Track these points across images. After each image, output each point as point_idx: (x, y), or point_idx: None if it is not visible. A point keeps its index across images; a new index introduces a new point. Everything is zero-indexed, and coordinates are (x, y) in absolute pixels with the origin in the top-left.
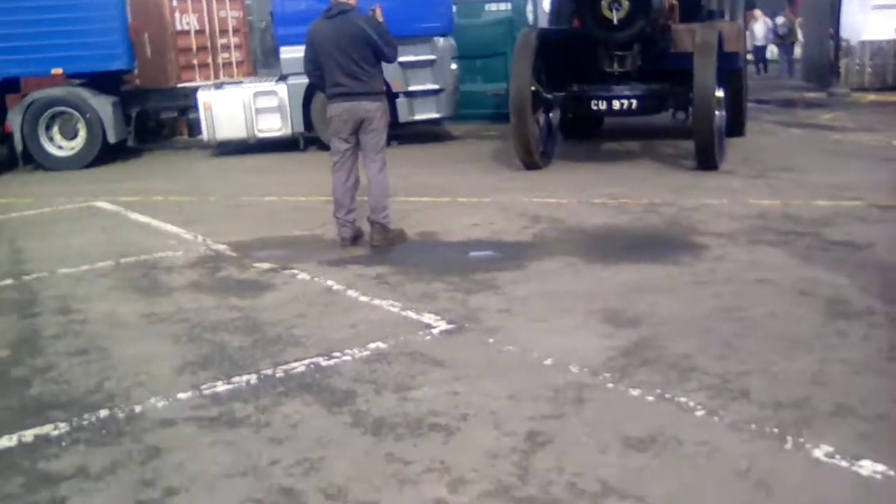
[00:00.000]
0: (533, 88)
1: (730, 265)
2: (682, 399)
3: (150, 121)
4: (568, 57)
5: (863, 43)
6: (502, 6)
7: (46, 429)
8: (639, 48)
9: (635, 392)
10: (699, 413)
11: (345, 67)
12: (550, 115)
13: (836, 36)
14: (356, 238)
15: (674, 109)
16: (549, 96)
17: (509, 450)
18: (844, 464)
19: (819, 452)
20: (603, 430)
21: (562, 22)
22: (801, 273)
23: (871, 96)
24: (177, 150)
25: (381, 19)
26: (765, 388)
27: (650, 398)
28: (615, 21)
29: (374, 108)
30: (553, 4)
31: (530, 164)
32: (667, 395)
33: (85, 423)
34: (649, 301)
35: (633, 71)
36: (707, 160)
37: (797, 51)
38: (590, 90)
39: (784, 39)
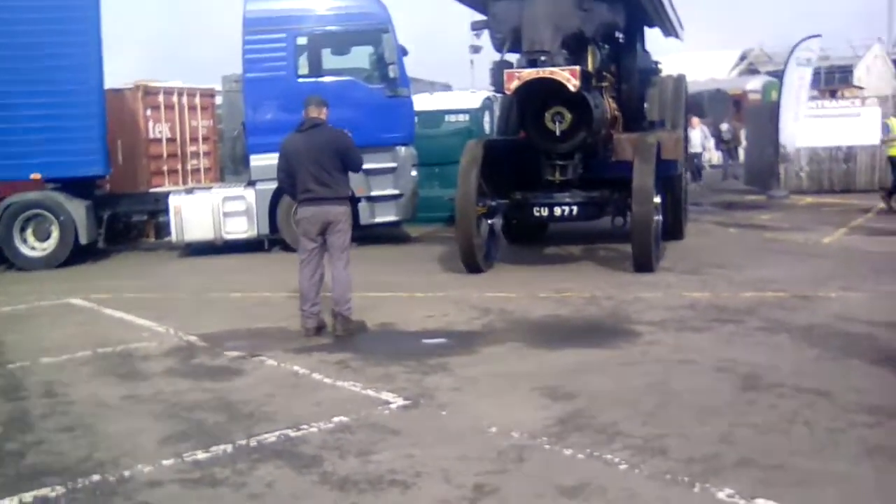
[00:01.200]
0: (477, 197)
1: (659, 349)
2: (609, 456)
3: (119, 223)
4: (512, 165)
5: (799, 149)
6: (461, 117)
7: (44, 491)
8: (580, 157)
9: (568, 451)
10: (622, 467)
11: (315, 175)
12: (493, 221)
13: (775, 142)
14: (319, 329)
15: (613, 215)
16: (492, 203)
17: (459, 498)
18: (742, 502)
19: (722, 494)
20: (540, 482)
21: (509, 132)
22: (721, 354)
23: (808, 199)
24: (144, 251)
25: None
26: (680, 447)
27: (581, 456)
28: (557, 132)
29: (340, 212)
30: (500, 115)
31: (473, 269)
32: (595, 454)
33: (80, 485)
34: (585, 379)
35: (574, 179)
36: (644, 264)
37: (740, 155)
38: (532, 198)
39: (728, 144)
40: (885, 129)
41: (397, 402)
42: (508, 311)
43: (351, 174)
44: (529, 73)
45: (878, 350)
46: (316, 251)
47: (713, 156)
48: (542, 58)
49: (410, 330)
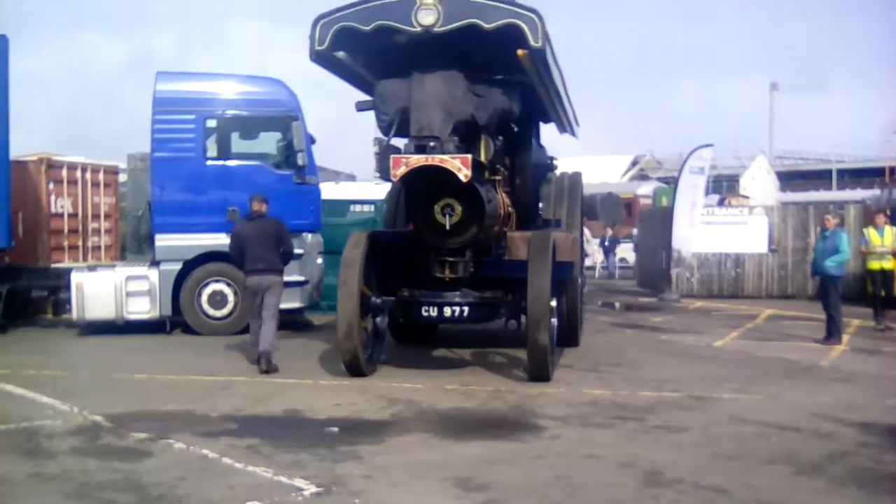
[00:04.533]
0: (361, 294)
1: (563, 443)
2: None
3: (18, 298)
4: (399, 260)
5: (692, 254)
6: (366, 207)
7: None
8: (471, 255)
9: None
10: None
11: (261, 254)
12: (378, 319)
13: (668, 247)
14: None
15: (506, 318)
16: (378, 300)
17: None
18: None
19: None
20: None
21: (398, 225)
22: (624, 450)
23: (699, 303)
24: (43, 328)
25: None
26: None
27: None
28: (447, 226)
29: (276, 281)
30: (388, 206)
31: (355, 372)
32: None
33: None
34: (495, 471)
35: (465, 277)
36: (540, 372)
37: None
38: (420, 296)
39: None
40: (863, 240)
41: (310, 488)
42: (416, 402)
43: None
44: (417, 160)
45: (769, 450)
46: (258, 308)
47: (597, 259)
48: (432, 144)
49: (318, 417)
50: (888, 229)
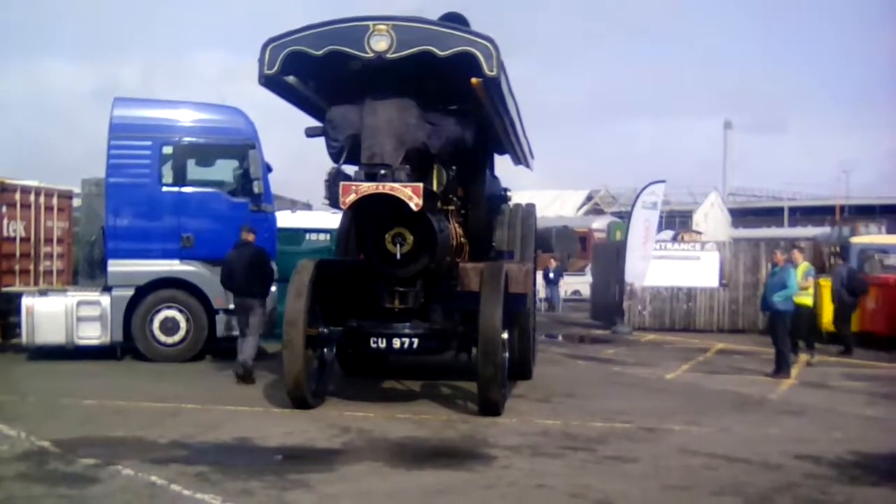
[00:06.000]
0: (308, 323)
1: (514, 472)
2: None
3: None
4: (349, 290)
5: (644, 288)
6: (321, 236)
7: None
8: (422, 285)
9: None
10: None
11: (241, 278)
12: (325, 350)
13: (621, 280)
14: (245, 379)
15: (457, 350)
16: (324, 331)
17: None
18: None
19: None
20: None
21: (349, 254)
22: (574, 480)
23: (651, 335)
24: None
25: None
26: None
27: None
28: (398, 256)
29: (256, 303)
30: (339, 234)
31: (300, 403)
32: None
33: None
34: (445, 500)
35: (415, 308)
36: (491, 406)
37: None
38: (368, 326)
39: None
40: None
41: None
42: (367, 431)
43: (210, 285)
44: (367, 188)
45: (718, 481)
46: (244, 325)
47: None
48: (382, 171)
49: (269, 445)
50: (802, 265)
